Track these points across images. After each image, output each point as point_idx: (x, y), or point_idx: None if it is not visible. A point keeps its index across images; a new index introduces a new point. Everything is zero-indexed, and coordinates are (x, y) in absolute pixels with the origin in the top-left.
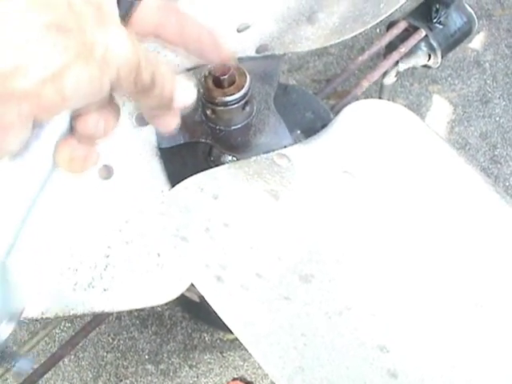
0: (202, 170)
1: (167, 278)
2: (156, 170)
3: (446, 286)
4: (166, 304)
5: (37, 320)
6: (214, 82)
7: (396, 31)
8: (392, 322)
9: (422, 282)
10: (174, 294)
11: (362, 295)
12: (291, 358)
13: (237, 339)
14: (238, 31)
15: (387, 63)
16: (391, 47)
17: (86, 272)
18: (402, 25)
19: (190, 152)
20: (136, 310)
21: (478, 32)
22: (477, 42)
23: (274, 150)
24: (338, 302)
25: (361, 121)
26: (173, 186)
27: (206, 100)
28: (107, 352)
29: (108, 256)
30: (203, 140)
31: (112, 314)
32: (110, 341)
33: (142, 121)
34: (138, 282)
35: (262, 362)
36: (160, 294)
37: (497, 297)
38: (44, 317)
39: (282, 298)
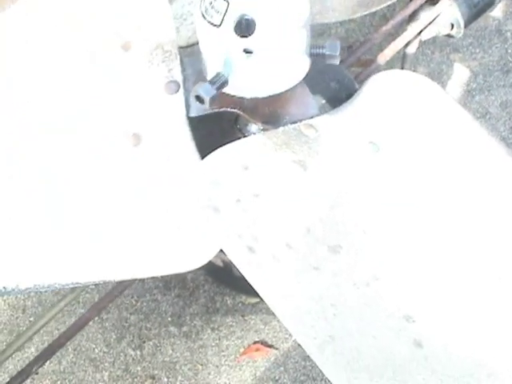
0: (228, 139)
1: (195, 245)
2: (185, 138)
3: (469, 257)
4: None
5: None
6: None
7: (420, 1)
8: (418, 292)
9: (446, 253)
10: (202, 261)
11: (388, 265)
12: (321, 327)
13: (258, 303)
14: None
15: (410, 33)
16: (414, 16)
17: (112, 239)
18: None
19: (217, 120)
20: None
21: (500, 1)
22: (498, 10)
23: (301, 120)
24: (366, 273)
25: (385, 92)
26: (200, 154)
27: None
28: (130, 314)
29: (135, 223)
30: (231, 109)
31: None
32: (134, 303)
33: (170, 89)
34: (166, 249)
35: (294, 331)
36: (187, 260)
37: None
38: (75, 282)
39: (311, 268)
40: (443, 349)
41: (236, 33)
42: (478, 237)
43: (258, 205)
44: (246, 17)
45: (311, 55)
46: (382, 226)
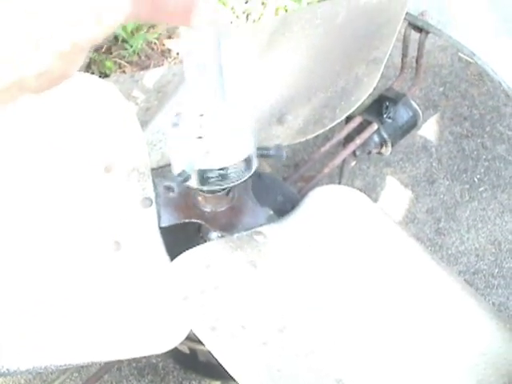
0: (192, 245)
1: (168, 331)
2: (157, 243)
3: (389, 333)
4: (159, 356)
5: (55, 368)
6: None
7: (353, 124)
8: (347, 361)
9: (368, 331)
10: (173, 344)
11: (322, 342)
12: None
13: None
14: None
15: (345, 152)
16: (349, 138)
17: (98, 327)
18: (358, 119)
19: (184, 230)
20: (134, 361)
21: (426, 120)
22: (424, 129)
23: (252, 228)
24: (304, 347)
25: (323, 203)
26: (170, 257)
27: (197, 189)
28: None
29: (120, 313)
30: (195, 220)
31: (114, 365)
32: None
33: (144, 204)
34: (147, 334)
35: None
36: (161, 343)
37: (433, 336)
38: (67, 363)
39: (261, 343)
40: None
41: None
42: (396, 314)
43: (218, 295)
44: None
45: (258, 155)
46: (318, 310)
